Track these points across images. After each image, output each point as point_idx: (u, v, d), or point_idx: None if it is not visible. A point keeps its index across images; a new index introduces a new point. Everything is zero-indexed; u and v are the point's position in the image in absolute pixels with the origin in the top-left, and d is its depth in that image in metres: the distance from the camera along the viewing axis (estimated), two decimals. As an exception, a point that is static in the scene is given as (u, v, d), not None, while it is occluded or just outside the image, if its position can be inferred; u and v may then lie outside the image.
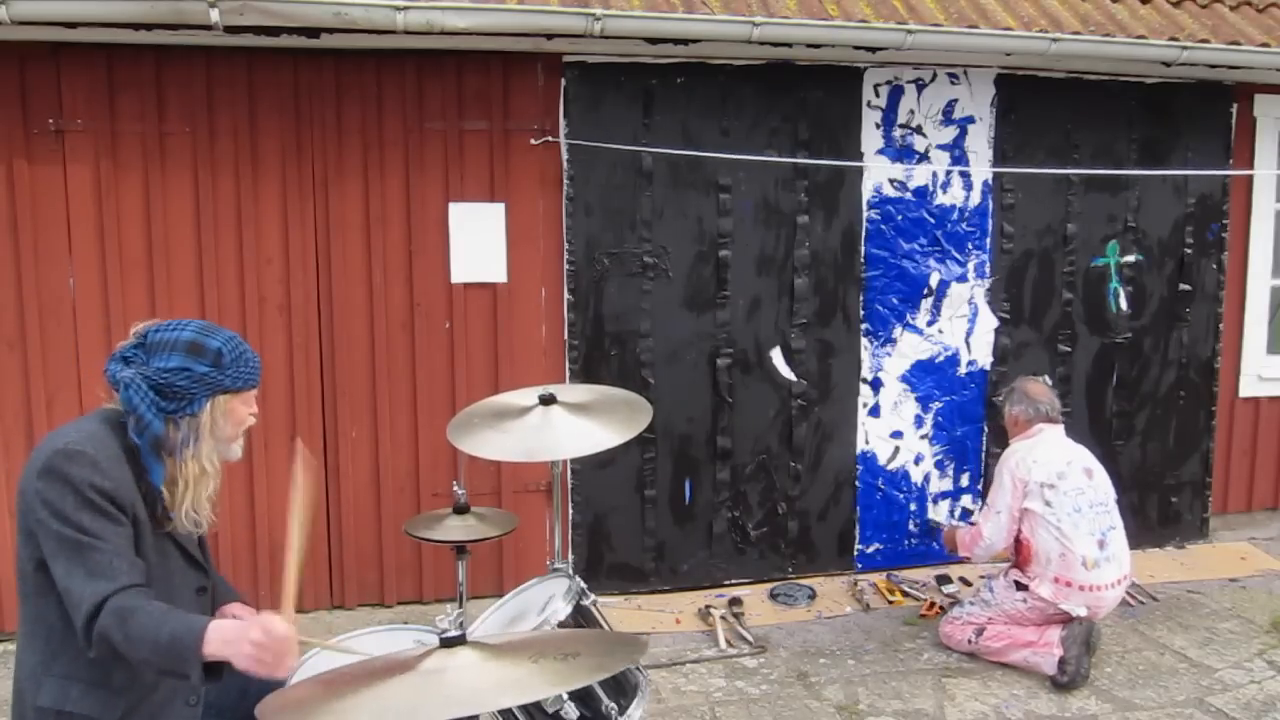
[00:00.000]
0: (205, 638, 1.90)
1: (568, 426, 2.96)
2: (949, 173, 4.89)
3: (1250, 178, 5.36)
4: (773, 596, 4.80)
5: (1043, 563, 3.95)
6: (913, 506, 5.09)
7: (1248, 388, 5.52)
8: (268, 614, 1.95)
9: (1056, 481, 3.96)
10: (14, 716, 2.10)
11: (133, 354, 2.11)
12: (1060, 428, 4.16)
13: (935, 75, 4.81)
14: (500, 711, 2.30)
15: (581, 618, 2.65)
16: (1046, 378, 4.64)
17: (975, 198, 4.96)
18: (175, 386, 2.08)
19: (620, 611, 4.56)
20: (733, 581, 4.90)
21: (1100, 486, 4.06)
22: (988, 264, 5.01)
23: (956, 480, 5.10)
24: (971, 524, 4.34)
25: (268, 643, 1.88)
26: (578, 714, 2.26)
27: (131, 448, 2.06)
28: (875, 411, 4.97)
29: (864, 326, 4.91)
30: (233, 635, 1.92)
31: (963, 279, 4.97)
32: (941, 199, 4.92)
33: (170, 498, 2.11)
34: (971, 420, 5.10)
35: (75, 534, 1.95)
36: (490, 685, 1.75)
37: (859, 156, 4.79)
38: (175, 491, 2.12)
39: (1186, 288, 5.27)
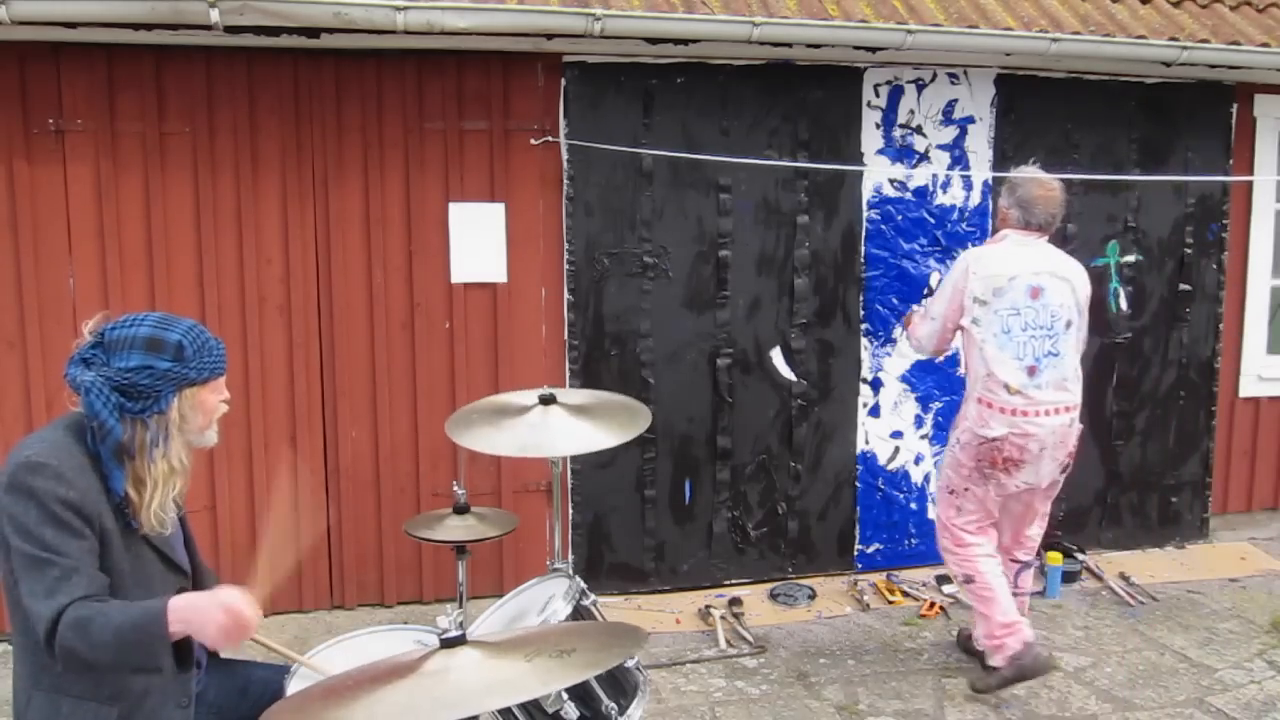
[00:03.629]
0: (167, 616, 1.89)
1: (567, 426, 2.96)
2: (949, 173, 4.89)
3: (1250, 175, 5.36)
4: (773, 596, 4.80)
5: (972, 381, 3.77)
6: (913, 506, 5.09)
7: (1248, 388, 5.52)
8: (228, 589, 1.95)
9: (991, 298, 3.64)
10: None
11: (92, 355, 2.05)
12: (1035, 236, 3.74)
13: (935, 75, 4.81)
14: (500, 711, 2.30)
15: (581, 618, 2.65)
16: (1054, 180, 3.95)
17: (975, 198, 4.96)
18: (139, 386, 2.02)
19: (620, 611, 4.56)
20: (733, 581, 4.90)
21: (1048, 308, 3.66)
22: (988, 264, 5.00)
23: (956, 480, 5.10)
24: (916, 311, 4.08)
25: (232, 620, 1.91)
26: (578, 714, 2.25)
27: (95, 455, 2.02)
28: (875, 411, 4.97)
29: (864, 326, 4.91)
30: (192, 612, 1.92)
31: (963, 279, 4.97)
32: (941, 199, 4.92)
33: (137, 500, 2.06)
34: (971, 420, 5.10)
35: (36, 550, 1.92)
36: (484, 686, 1.76)
37: (859, 157, 4.79)
38: (142, 493, 2.06)
39: (1186, 288, 5.27)
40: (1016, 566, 4.01)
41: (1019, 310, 3.65)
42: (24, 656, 2.05)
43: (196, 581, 2.30)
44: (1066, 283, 3.72)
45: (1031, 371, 3.65)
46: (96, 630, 1.88)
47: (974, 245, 4.95)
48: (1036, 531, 3.98)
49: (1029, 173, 3.87)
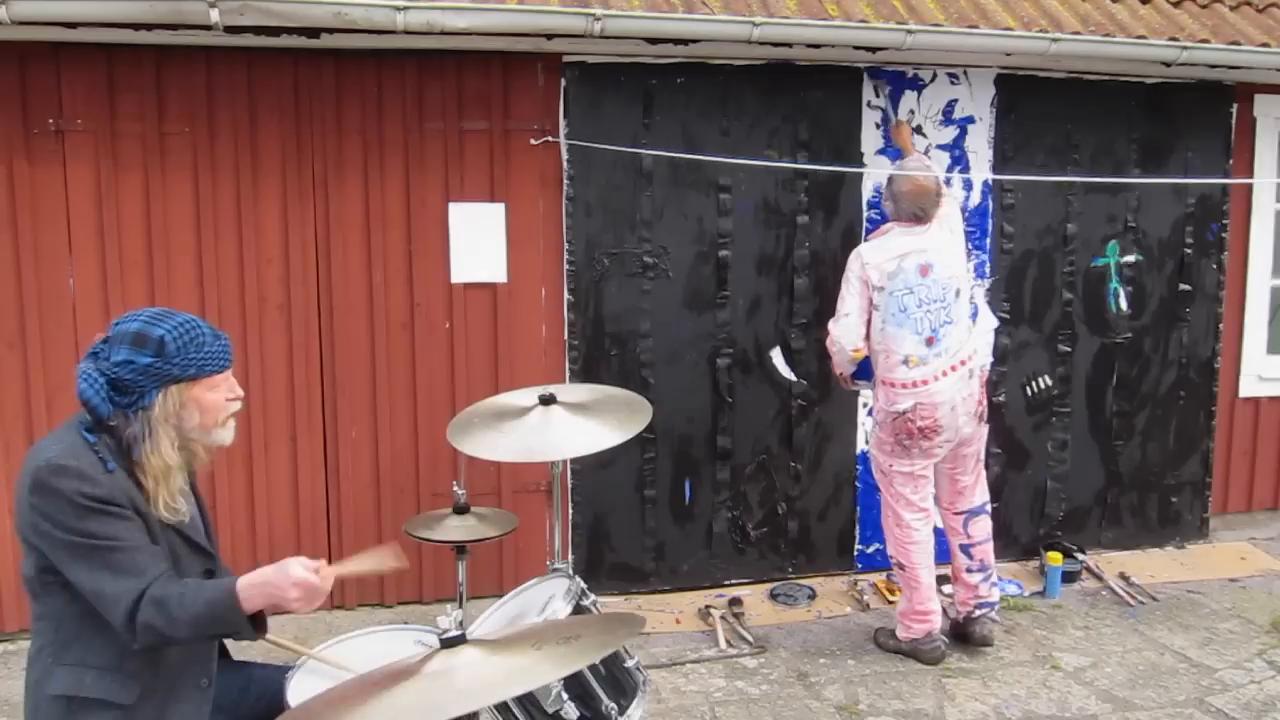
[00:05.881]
0: (239, 596, 2.00)
1: (567, 426, 2.96)
2: (949, 173, 4.88)
3: (1250, 175, 5.36)
4: (773, 596, 4.80)
5: (874, 365, 4.05)
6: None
7: (1248, 388, 5.52)
8: (295, 560, 2.07)
9: (886, 283, 3.92)
10: (27, 711, 2.12)
11: (99, 349, 2.10)
12: (914, 225, 3.98)
13: (935, 75, 4.81)
14: (500, 711, 2.30)
15: (581, 618, 2.65)
16: (930, 164, 4.37)
17: (975, 198, 4.96)
18: (124, 381, 2.04)
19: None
20: (733, 581, 4.90)
21: (938, 281, 3.94)
22: (988, 264, 5.00)
23: (956, 480, 5.09)
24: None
25: (305, 586, 2.04)
26: (578, 714, 2.25)
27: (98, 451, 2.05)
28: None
29: (864, 326, 4.90)
30: (267, 587, 2.02)
31: (963, 279, 4.97)
32: (941, 199, 4.92)
33: (142, 493, 2.09)
34: (971, 420, 5.09)
35: (86, 540, 1.97)
36: (498, 676, 1.76)
37: (859, 157, 4.79)
38: (145, 487, 2.09)
39: (1186, 288, 5.27)
40: (960, 518, 4.19)
41: (912, 289, 3.93)
42: (46, 637, 2.09)
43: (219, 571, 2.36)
44: (950, 253, 4.02)
45: (930, 342, 3.94)
46: (175, 609, 1.96)
47: (973, 246, 4.96)
48: (970, 480, 4.19)
49: (908, 166, 4.15)
